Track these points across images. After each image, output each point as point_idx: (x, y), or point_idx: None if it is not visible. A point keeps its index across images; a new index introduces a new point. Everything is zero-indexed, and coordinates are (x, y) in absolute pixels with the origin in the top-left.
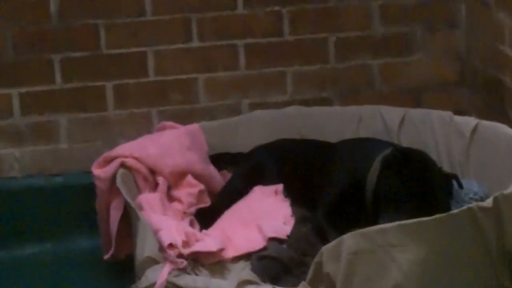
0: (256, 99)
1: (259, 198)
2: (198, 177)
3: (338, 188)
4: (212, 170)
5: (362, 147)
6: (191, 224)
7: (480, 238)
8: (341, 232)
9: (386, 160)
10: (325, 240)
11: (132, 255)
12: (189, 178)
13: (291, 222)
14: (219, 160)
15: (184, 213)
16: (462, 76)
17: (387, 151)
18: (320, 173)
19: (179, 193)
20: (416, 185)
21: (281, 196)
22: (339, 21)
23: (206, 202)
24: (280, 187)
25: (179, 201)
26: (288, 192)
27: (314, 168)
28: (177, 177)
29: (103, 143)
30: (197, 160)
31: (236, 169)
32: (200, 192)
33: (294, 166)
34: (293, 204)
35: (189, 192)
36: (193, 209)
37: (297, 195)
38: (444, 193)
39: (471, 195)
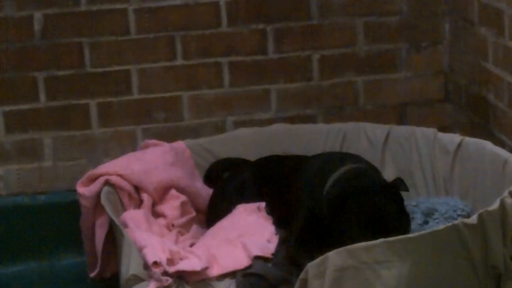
0: (241, 116)
1: (243, 216)
2: (183, 192)
3: (302, 213)
4: (198, 186)
5: (320, 168)
6: (180, 233)
7: (465, 255)
8: (313, 256)
9: (329, 201)
10: (298, 266)
11: (118, 273)
12: (172, 191)
13: (275, 240)
14: (218, 167)
15: (172, 225)
16: (446, 92)
17: (329, 184)
18: (292, 193)
19: (163, 208)
20: (364, 216)
21: (264, 213)
22: (323, 39)
23: (191, 213)
24: (262, 204)
25: (163, 216)
26: (269, 212)
27: (290, 186)
28: (162, 193)
29: (88, 161)
30: (182, 176)
31: (217, 190)
32: (183, 203)
33: (273, 185)
34: (274, 223)
35: (172, 206)
36: (181, 221)
37: (276, 215)
38: (397, 216)
39: (458, 212)
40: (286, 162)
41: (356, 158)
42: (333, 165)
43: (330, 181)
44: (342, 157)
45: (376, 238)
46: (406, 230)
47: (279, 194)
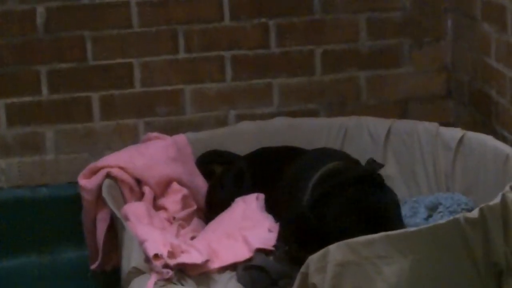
0: (243, 110)
1: (242, 208)
2: (183, 187)
3: (288, 215)
4: (198, 182)
5: (300, 171)
6: (181, 227)
7: (466, 249)
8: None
9: (312, 210)
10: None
11: (119, 267)
12: (174, 185)
13: (276, 228)
14: (208, 159)
15: (173, 218)
16: (448, 88)
17: (309, 191)
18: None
19: (164, 201)
20: (351, 211)
21: (262, 203)
22: (326, 34)
23: (192, 206)
24: (261, 195)
25: (165, 209)
26: (266, 204)
27: (280, 183)
28: (163, 187)
29: (90, 154)
30: (183, 171)
31: (215, 184)
32: (184, 197)
33: (267, 179)
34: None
35: (173, 200)
36: (182, 214)
37: (270, 209)
38: (381, 196)
39: (462, 206)
40: (277, 156)
41: (334, 156)
42: (311, 169)
43: (309, 187)
44: (321, 158)
45: (372, 226)
46: (395, 206)
47: (272, 189)
